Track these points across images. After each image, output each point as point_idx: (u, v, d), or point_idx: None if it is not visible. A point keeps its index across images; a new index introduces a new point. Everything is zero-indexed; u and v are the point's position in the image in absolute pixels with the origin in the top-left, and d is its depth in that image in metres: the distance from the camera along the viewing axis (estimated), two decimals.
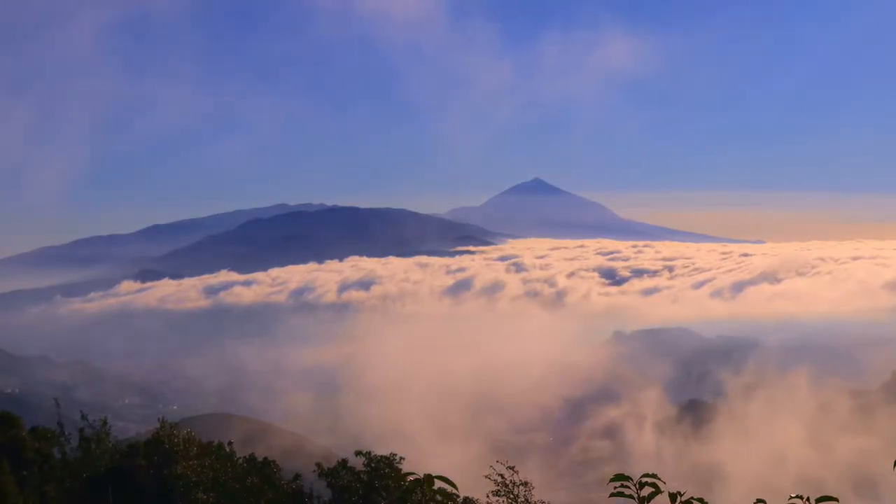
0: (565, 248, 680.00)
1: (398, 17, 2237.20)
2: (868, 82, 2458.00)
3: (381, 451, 32.21)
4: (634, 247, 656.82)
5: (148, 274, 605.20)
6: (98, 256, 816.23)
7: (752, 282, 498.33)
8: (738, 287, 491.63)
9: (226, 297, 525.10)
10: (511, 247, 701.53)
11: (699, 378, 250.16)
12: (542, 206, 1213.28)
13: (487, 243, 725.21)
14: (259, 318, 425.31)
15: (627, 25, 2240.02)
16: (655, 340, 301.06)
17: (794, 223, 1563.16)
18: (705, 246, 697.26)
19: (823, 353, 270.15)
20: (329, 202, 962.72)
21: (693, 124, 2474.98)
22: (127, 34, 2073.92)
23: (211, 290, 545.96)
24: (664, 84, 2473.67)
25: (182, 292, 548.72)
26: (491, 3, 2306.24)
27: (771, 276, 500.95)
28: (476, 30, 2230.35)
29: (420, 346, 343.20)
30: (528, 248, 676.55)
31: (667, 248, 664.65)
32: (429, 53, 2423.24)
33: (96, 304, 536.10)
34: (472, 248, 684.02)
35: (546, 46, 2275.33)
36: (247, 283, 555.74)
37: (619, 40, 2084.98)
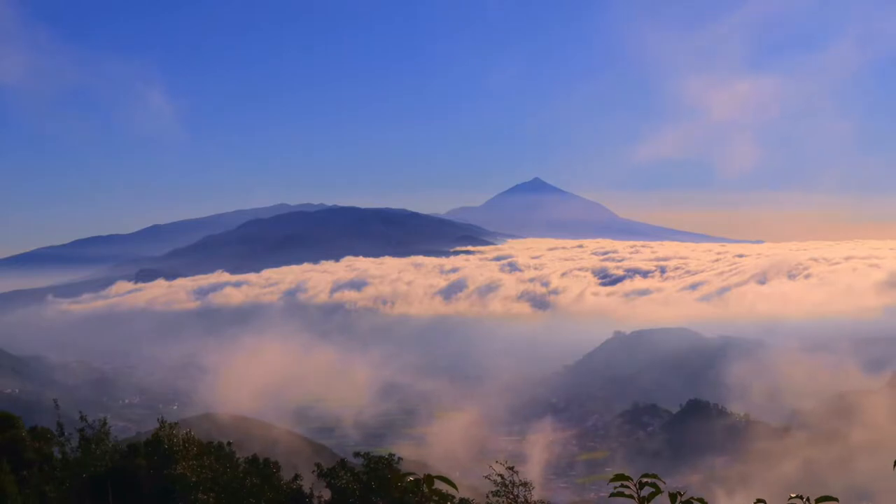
0: (563, 248, 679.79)
1: None
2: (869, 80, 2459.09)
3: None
4: (632, 247, 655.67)
5: (146, 274, 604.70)
6: (98, 256, 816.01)
7: (740, 284, 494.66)
8: (726, 289, 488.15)
9: (215, 298, 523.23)
10: (510, 247, 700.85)
11: (690, 379, 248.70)
12: (542, 206, 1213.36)
13: (487, 243, 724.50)
14: (248, 319, 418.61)
15: None
16: (652, 340, 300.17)
17: (795, 223, 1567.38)
18: (702, 246, 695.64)
19: (808, 354, 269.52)
20: (329, 202, 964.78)
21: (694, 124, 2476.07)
22: None
23: (201, 292, 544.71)
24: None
25: (172, 293, 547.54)
26: None
27: (760, 278, 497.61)
28: None
29: (411, 345, 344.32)
30: (526, 249, 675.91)
31: (664, 248, 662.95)
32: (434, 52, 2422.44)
33: (85, 304, 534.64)
34: (471, 248, 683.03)
35: None
36: (237, 284, 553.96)
37: None
